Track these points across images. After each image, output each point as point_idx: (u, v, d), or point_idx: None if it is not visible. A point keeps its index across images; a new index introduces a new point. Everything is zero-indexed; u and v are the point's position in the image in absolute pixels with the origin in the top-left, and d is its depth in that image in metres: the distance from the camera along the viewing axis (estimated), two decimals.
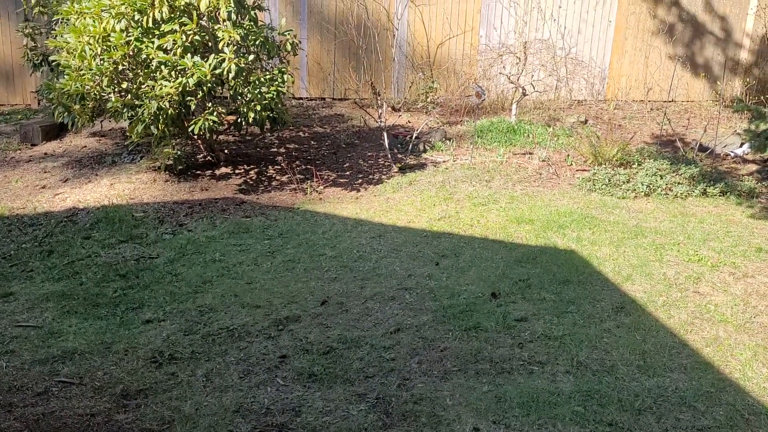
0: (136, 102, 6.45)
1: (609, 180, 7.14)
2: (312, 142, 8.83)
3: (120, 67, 6.38)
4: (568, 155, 8.15)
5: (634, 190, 6.97)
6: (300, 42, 7.65)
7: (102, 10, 6.26)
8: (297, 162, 7.91)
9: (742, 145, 8.24)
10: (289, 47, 7.11)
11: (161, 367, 3.81)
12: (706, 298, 4.64)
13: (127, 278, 5.05)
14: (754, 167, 7.90)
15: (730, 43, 10.89)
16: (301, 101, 10.89)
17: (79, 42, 6.26)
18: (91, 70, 6.27)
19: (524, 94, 9.49)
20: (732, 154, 8.33)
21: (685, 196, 6.88)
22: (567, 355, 3.89)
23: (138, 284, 4.95)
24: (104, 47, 6.24)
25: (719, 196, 6.91)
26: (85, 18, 6.36)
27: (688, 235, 5.79)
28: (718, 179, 7.15)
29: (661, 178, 7.10)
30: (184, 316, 4.44)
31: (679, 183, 7.03)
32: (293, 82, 7.70)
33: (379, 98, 8.15)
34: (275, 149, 8.50)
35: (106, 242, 5.78)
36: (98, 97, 6.59)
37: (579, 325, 4.26)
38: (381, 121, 8.09)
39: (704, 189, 6.96)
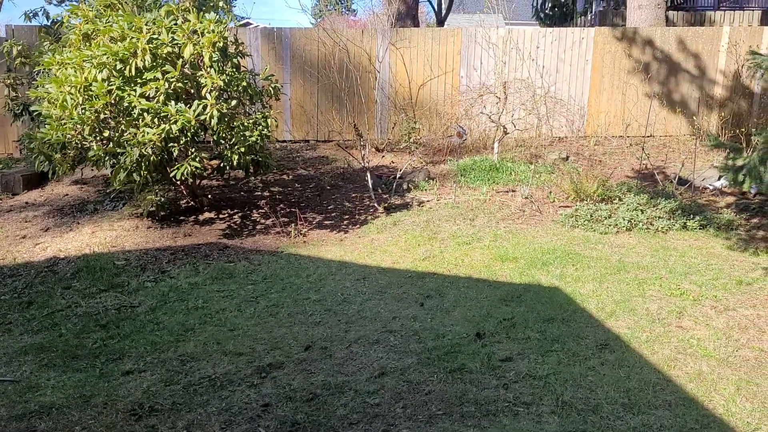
0: (118, 150, 6.46)
1: (591, 216, 7.19)
2: (296, 185, 8.86)
3: (102, 116, 6.40)
4: (551, 192, 8.22)
5: (616, 225, 7.02)
6: (282, 87, 7.75)
7: (84, 61, 6.31)
8: (281, 205, 7.92)
9: (720, 178, 8.36)
10: (271, 92, 7.20)
11: (141, 419, 3.73)
12: (688, 333, 4.65)
13: (108, 328, 4.98)
14: (732, 199, 8.01)
15: (705, 79, 11.15)
16: (284, 144, 10.98)
17: (61, 92, 6.29)
18: (72, 119, 6.29)
19: (506, 133, 9.62)
20: (711, 187, 8.45)
21: (666, 230, 6.94)
22: (552, 395, 3.86)
23: (118, 334, 4.88)
24: (86, 96, 6.27)
25: (699, 229, 6.97)
26: (66, 68, 6.41)
27: (669, 269, 5.83)
28: (697, 212, 7.23)
29: (642, 212, 7.17)
30: (165, 366, 4.37)
31: (659, 217, 7.10)
32: (277, 126, 7.78)
33: (362, 139, 8.22)
34: (259, 193, 8.51)
35: (86, 292, 5.71)
36: (80, 145, 6.60)
37: (564, 363, 4.24)
38: (365, 162, 8.14)
39: (684, 222, 7.03)
